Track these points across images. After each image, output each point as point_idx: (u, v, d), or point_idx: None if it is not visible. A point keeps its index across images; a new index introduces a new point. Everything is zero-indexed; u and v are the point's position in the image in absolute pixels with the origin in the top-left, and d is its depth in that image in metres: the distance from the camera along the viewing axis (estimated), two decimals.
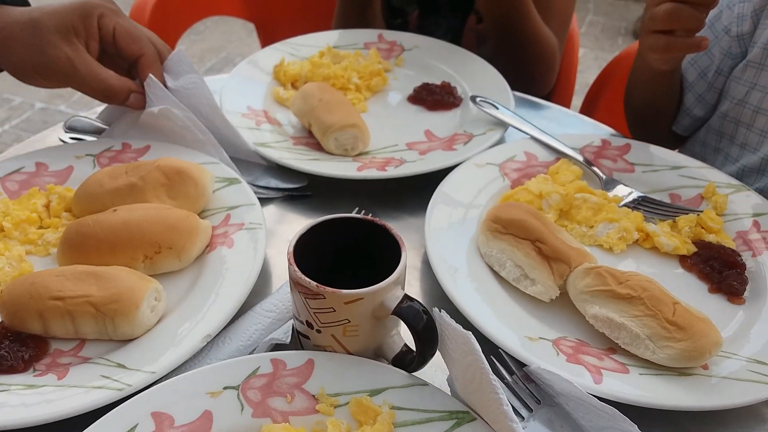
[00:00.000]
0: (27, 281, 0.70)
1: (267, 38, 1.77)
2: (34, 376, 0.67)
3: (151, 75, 0.90)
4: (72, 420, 0.61)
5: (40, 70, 0.86)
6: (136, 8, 1.48)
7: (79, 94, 3.13)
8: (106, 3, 0.89)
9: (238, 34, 3.80)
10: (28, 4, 0.91)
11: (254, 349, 0.69)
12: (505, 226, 0.79)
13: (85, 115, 1.02)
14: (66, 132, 1.01)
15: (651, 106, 1.15)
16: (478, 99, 1.07)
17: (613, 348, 0.72)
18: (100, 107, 1.01)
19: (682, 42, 0.90)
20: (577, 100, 1.62)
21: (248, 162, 0.96)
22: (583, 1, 4.21)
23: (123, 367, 0.66)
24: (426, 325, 0.62)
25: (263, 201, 0.89)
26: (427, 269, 0.82)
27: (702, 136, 1.13)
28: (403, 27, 1.45)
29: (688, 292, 0.80)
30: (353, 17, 1.37)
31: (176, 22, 1.61)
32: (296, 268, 0.62)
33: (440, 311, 0.62)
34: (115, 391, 0.63)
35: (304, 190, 0.94)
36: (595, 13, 4.13)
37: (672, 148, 1.03)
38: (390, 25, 1.44)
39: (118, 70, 0.91)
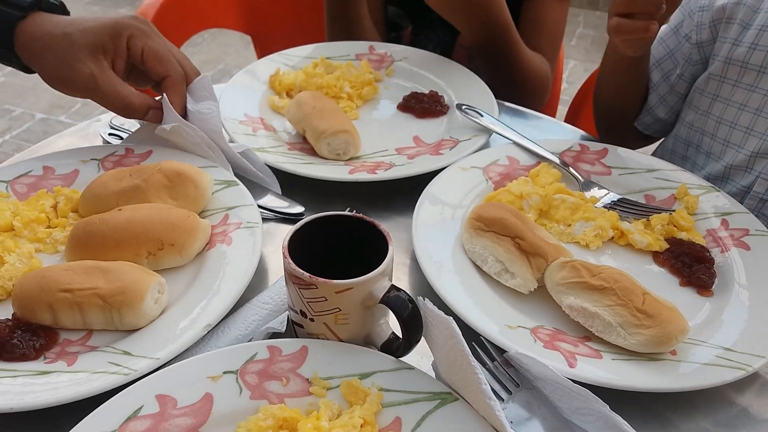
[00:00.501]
0: (38, 275, 0.75)
1: (263, 50, 1.83)
2: (45, 363, 0.71)
3: (164, 96, 0.95)
4: (81, 403, 0.65)
5: (66, 82, 0.91)
6: None
7: (79, 104, 3.16)
8: (138, 23, 0.94)
9: (235, 46, 3.86)
10: (67, 12, 0.96)
11: (252, 338, 0.74)
12: (488, 224, 0.84)
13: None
14: (110, 128, 1.08)
15: (618, 96, 1.20)
16: (463, 107, 1.12)
17: (587, 336, 0.76)
18: None
19: (632, 24, 0.96)
20: (566, 110, 1.68)
21: (251, 183, 0.98)
22: (573, 15, 4.29)
23: (129, 354, 0.71)
24: (411, 312, 0.67)
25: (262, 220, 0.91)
26: (415, 265, 0.87)
27: (671, 144, 1.19)
28: (397, 41, 1.51)
29: (661, 285, 0.85)
30: (341, 33, 1.42)
31: (175, 34, 1.66)
32: (290, 261, 0.67)
33: (424, 300, 0.67)
34: (122, 376, 0.67)
35: (300, 216, 0.95)
36: (584, 26, 4.22)
37: (633, 146, 1.09)
38: (386, 39, 1.50)
39: (146, 83, 0.97)
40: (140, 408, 0.64)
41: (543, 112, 1.26)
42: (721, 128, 1.08)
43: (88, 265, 0.75)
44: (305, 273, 0.66)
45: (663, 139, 1.25)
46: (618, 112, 1.23)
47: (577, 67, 3.73)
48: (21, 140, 3.08)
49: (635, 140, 1.26)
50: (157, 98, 0.97)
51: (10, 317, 0.75)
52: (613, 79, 1.18)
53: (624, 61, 1.11)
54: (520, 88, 1.34)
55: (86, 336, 0.75)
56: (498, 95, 1.20)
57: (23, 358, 0.71)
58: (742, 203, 1.01)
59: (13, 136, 3.12)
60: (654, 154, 1.22)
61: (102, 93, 0.91)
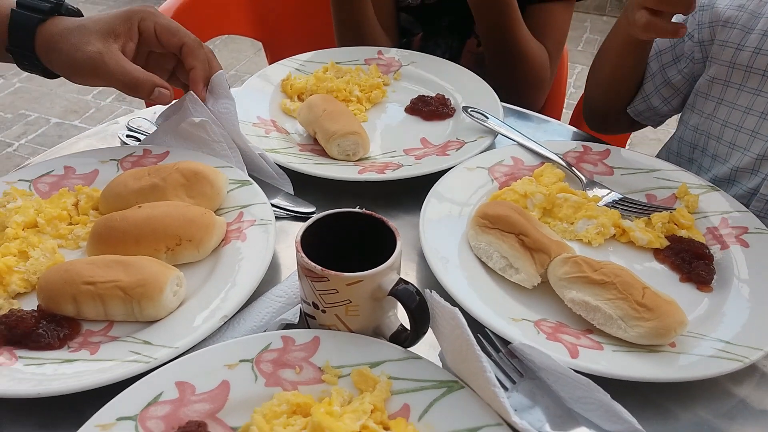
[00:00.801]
0: (61, 268, 0.78)
1: (274, 56, 1.86)
2: (69, 352, 0.74)
3: (191, 93, 0.99)
4: (104, 389, 0.68)
5: (75, 66, 0.94)
6: None
7: (93, 109, 3.21)
8: (147, 8, 0.99)
9: (246, 53, 3.91)
10: (81, 15, 1.00)
11: (266, 329, 0.77)
12: (493, 222, 0.87)
13: (144, 116, 1.15)
14: (128, 129, 1.12)
15: (615, 79, 1.21)
16: (469, 109, 1.15)
17: (589, 329, 0.79)
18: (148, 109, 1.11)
19: (663, 26, 0.95)
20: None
21: (265, 183, 1.01)
22: (580, 20, 4.32)
23: (149, 343, 0.74)
24: (419, 304, 0.70)
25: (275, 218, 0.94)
26: (422, 262, 0.90)
27: (676, 147, 1.21)
28: (408, 46, 1.55)
29: (661, 281, 0.87)
30: (348, 38, 1.46)
31: None
32: (303, 255, 0.70)
33: (431, 292, 0.70)
34: (143, 364, 0.70)
35: (311, 215, 0.96)
36: (591, 31, 4.24)
37: (618, 130, 1.11)
38: (398, 44, 1.54)
39: (163, 72, 1.00)
40: (160, 394, 0.67)
41: (548, 116, 1.29)
42: (727, 131, 1.10)
43: (109, 259, 0.79)
44: (317, 266, 0.69)
45: (668, 140, 1.27)
46: (613, 94, 1.23)
47: (583, 72, 3.75)
48: (36, 144, 3.14)
49: (622, 125, 1.27)
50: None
51: (35, 309, 0.78)
52: (614, 58, 1.18)
53: (631, 43, 1.12)
54: (519, 77, 1.38)
55: (107, 327, 0.78)
56: (495, 81, 1.23)
57: (48, 347, 0.74)
58: (748, 206, 1.03)
59: (29, 140, 3.18)
60: (659, 156, 1.24)
61: (108, 69, 0.93)
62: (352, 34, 1.46)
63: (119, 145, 1.10)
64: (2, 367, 0.71)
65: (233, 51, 3.97)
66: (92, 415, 0.65)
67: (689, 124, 1.17)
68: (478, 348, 0.65)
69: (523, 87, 1.37)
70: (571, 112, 1.64)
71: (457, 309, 0.66)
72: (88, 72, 0.94)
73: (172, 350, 0.72)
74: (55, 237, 0.89)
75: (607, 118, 1.27)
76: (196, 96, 1.00)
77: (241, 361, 0.71)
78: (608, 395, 0.68)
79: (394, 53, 1.37)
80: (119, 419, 0.65)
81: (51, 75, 1.00)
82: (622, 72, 1.20)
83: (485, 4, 1.32)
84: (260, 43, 1.93)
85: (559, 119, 1.58)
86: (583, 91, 1.52)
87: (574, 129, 1.24)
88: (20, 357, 0.73)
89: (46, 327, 0.76)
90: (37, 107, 3.41)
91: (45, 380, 0.70)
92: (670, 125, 1.30)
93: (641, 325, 0.74)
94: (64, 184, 0.97)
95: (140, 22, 0.97)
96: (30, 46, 0.95)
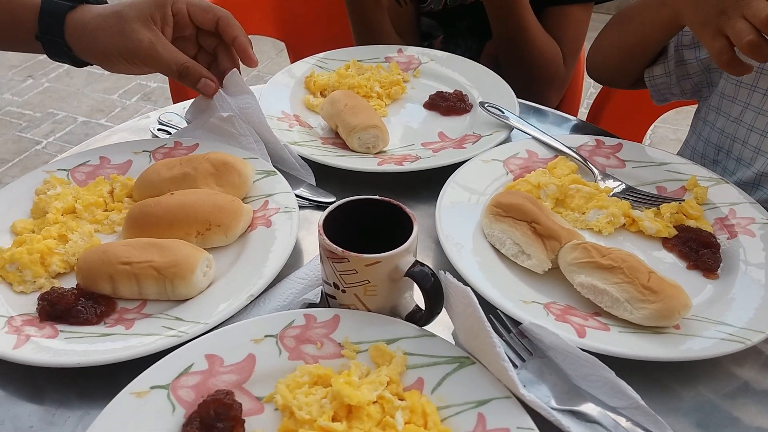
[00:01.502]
0: (99, 250, 0.84)
1: (297, 56, 1.91)
2: (106, 327, 0.80)
3: (222, 93, 1.04)
4: (138, 361, 0.73)
5: (126, 55, 0.99)
6: None
7: (119, 108, 3.29)
8: None
9: (268, 53, 3.98)
10: (106, 2, 1.04)
11: (290, 308, 0.82)
12: (506, 210, 0.91)
13: (174, 111, 1.21)
14: (159, 123, 1.18)
15: (635, 45, 1.17)
16: (486, 105, 1.19)
17: (597, 312, 0.82)
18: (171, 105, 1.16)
19: (731, 64, 0.87)
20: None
21: (289, 175, 1.06)
22: (600, 21, 4.31)
23: (180, 320, 0.79)
24: (433, 284, 0.74)
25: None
26: (438, 248, 0.94)
27: (701, 148, 1.22)
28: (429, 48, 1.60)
29: (669, 269, 0.90)
30: (365, 39, 1.52)
31: None
32: (325, 237, 0.75)
33: (445, 273, 0.74)
34: (175, 338, 0.75)
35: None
36: None
37: (623, 86, 1.12)
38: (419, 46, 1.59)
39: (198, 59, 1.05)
40: (191, 365, 0.72)
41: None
42: (753, 136, 1.10)
43: (144, 241, 0.84)
44: (338, 248, 0.73)
45: (687, 137, 1.28)
46: (627, 57, 1.21)
47: None
48: (63, 142, 3.23)
49: (627, 83, 1.27)
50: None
51: (75, 287, 0.83)
52: (639, 27, 1.14)
53: (671, 22, 1.07)
54: (529, 67, 1.41)
55: (141, 305, 0.83)
56: (508, 78, 1.27)
57: (86, 322, 0.80)
58: None
59: (57, 138, 3.27)
60: (681, 154, 1.24)
61: (162, 58, 0.98)
62: (368, 36, 1.51)
63: (151, 138, 1.16)
64: (45, 340, 0.77)
65: (256, 52, 3.99)
66: (127, 385, 0.70)
67: (715, 126, 1.17)
68: (489, 325, 0.69)
69: (536, 83, 1.40)
70: (587, 111, 1.67)
71: (469, 288, 0.70)
72: (140, 61, 0.99)
73: (202, 326, 0.77)
74: (92, 222, 0.95)
75: (611, 73, 1.26)
76: (223, 93, 1.05)
77: (266, 336, 0.75)
78: (613, 373, 0.72)
79: (413, 51, 1.42)
80: (152, 387, 0.70)
81: (80, 63, 1.04)
82: (644, 40, 1.16)
83: None
84: (282, 45, 1.98)
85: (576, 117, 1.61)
86: (601, 89, 1.55)
87: (589, 124, 1.27)
88: (61, 331, 0.78)
89: (85, 304, 0.81)
90: (64, 106, 3.50)
91: (84, 352, 0.75)
92: (687, 125, 1.31)
93: (646, 307, 0.78)
94: (100, 173, 1.03)
95: (172, 5, 1.01)
96: (60, 33, 0.99)
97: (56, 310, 0.80)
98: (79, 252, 0.88)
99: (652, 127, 3.20)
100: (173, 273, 0.80)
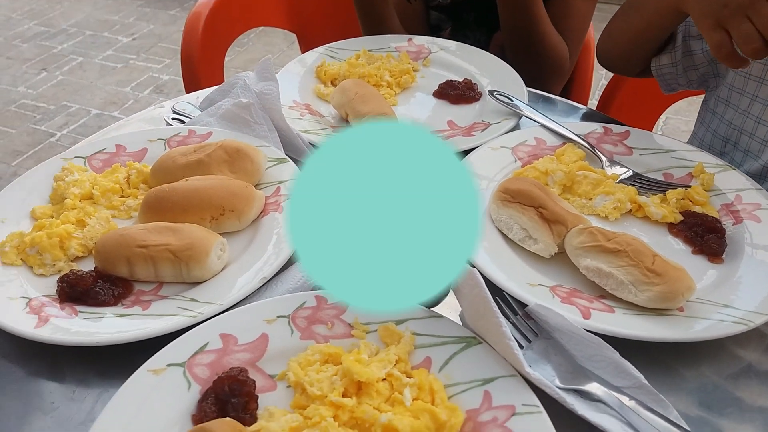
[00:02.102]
0: (117, 233, 0.86)
1: (308, 47, 1.93)
2: (123, 308, 0.82)
3: (246, 83, 1.08)
4: (155, 340, 0.76)
5: None
6: (190, 20, 1.65)
7: (131, 101, 3.32)
8: None
9: (279, 45, 4.01)
10: None
11: (302, 290, 0.84)
12: (513, 196, 0.92)
13: (187, 101, 1.24)
14: (173, 113, 1.20)
15: (641, 32, 1.17)
16: (495, 93, 1.21)
17: (602, 295, 0.84)
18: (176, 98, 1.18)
19: (730, 57, 0.88)
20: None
21: (300, 162, 1.06)
22: (610, 11, 4.30)
23: (196, 301, 0.81)
24: None
25: None
26: None
27: (709, 140, 1.23)
28: None
29: (675, 253, 0.91)
30: (371, 31, 1.53)
31: (226, 31, 1.79)
32: None
33: None
34: (190, 318, 0.78)
35: None
36: None
37: (631, 73, 1.13)
38: None
39: None
40: (206, 344, 0.75)
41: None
42: (760, 128, 1.11)
43: (160, 225, 0.86)
44: None
45: (701, 134, 1.28)
46: (633, 45, 1.21)
47: None
48: (77, 134, 3.27)
49: (633, 70, 1.27)
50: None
51: (93, 270, 0.86)
52: (647, 16, 1.15)
53: (675, 13, 1.07)
54: (537, 64, 1.42)
55: (157, 287, 0.86)
56: (515, 65, 1.28)
57: (104, 303, 0.82)
58: None
59: (70, 130, 3.32)
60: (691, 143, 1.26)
61: None
62: (374, 27, 1.52)
63: (165, 126, 1.18)
64: (65, 320, 0.79)
65: (267, 44, 4.07)
66: (145, 361, 0.73)
67: (724, 118, 1.18)
68: (495, 305, 0.71)
69: (542, 76, 1.41)
70: (597, 101, 1.67)
71: (476, 270, 0.72)
72: None
73: (217, 306, 0.79)
74: (109, 208, 0.97)
75: (620, 58, 1.26)
76: (247, 83, 1.08)
77: (278, 316, 0.77)
78: (617, 353, 0.73)
79: (423, 41, 1.43)
80: (169, 365, 0.72)
81: None
82: (653, 29, 1.16)
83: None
84: (293, 36, 2.00)
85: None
86: (611, 78, 1.55)
87: (597, 112, 1.28)
88: (80, 312, 0.81)
89: (103, 286, 0.83)
90: (78, 99, 3.54)
91: (103, 331, 0.78)
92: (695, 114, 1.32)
93: (650, 289, 0.79)
94: (116, 161, 1.05)
95: None
96: None
97: (75, 291, 0.83)
98: (96, 236, 0.91)
99: (663, 118, 3.19)
100: (188, 256, 0.82)
